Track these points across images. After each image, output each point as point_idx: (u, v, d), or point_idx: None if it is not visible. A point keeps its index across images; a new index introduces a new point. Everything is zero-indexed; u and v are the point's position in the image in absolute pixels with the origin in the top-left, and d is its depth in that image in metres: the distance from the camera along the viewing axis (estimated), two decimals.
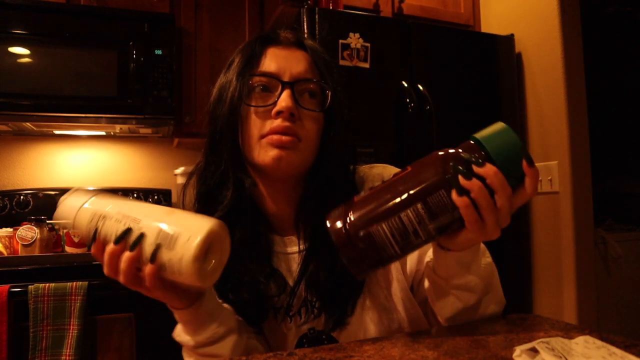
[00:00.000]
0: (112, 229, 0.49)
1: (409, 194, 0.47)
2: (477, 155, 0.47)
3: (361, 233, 0.48)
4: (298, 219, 0.68)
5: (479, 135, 0.49)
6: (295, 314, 0.67)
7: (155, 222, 0.48)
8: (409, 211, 0.47)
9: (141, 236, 0.47)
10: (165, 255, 0.47)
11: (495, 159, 0.47)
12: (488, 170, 0.46)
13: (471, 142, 0.49)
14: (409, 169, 0.49)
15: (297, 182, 0.67)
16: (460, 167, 0.46)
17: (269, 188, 0.67)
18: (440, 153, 0.49)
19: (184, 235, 0.46)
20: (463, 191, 0.46)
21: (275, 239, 0.70)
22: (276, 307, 0.67)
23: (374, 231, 0.47)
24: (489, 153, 0.47)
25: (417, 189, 0.47)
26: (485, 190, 0.46)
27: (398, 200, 0.47)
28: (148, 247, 0.47)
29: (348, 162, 0.70)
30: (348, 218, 0.49)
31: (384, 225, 0.47)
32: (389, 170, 0.73)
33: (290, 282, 0.67)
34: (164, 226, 0.47)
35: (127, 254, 0.48)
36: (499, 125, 0.50)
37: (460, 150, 0.49)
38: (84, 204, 0.52)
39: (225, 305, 0.64)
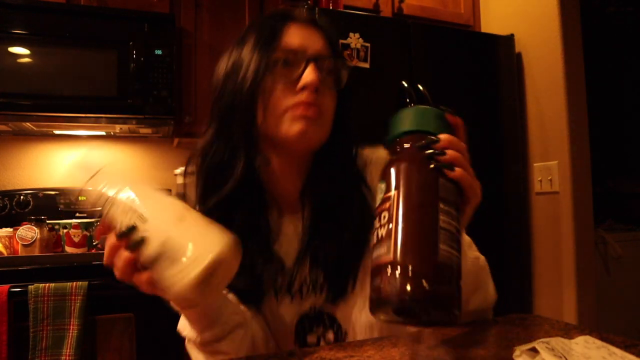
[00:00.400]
0: (118, 218, 0.45)
1: (425, 206, 0.44)
2: (427, 137, 0.48)
3: (433, 269, 0.41)
4: (304, 197, 0.68)
5: (406, 126, 0.49)
6: (296, 292, 0.67)
7: (162, 226, 0.44)
8: (441, 217, 0.43)
9: (144, 239, 0.44)
10: (165, 268, 0.43)
11: (436, 131, 0.49)
12: (445, 139, 0.48)
13: (405, 136, 0.49)
14: (393, 194, 0.44)
15: (307, 159, 0.68)
16: (432, 151, 0.47)
17: (282, 164, 0.67)
18: (404, 156, 0.47)
19: (192, 252, 0.42)
20: (451, 166, 0.46)
21: (278, 217, 0.70)
22: (276, 287, 0.67)
23: (440, 259, 0.41)
24: (428, 131, 0.49)
25: (425, 195, 0.44)
26: (460, 154, 0.47)
27: (426, 217, 0.43)
28: (149, 252, 0.43)
29: (356, 142, 0.71)
30: (407, 273, 0.40)
31: (439, 248, 0.41)
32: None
33: (292, 260, 0.67)
34: (171, 235, 0.43)
35: (126, 254, 0.45)
36: (408, 111, 0.51)
37: (412, 144, 0.48)
38: (94, 176, 0.49)
39: (230, 296, 0.63)
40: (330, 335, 0.67)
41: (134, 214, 0.44)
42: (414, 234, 0.42)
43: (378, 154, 0.73)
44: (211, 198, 0.64)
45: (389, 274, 0.41)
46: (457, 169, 0.46)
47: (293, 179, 0.68)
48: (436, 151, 0.46)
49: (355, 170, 0.69)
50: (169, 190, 1.82)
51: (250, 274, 0.64)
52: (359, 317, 0.65)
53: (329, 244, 0.64)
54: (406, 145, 0.48)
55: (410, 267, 0.40)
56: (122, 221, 0.45)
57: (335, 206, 0.65)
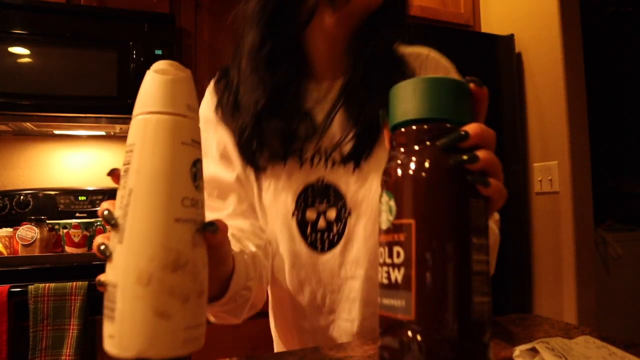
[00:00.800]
0: (118, 193, 0.34)
1: (455, 248, 0.32)
2: (448, 129, 0.34)
3: (466, 332, 0.32)
4: (347, 60, 0.67)
5: (417, 111, 0.35)
6: (308, 160, 0.66)
7: (123, 269, 0.32)
8: (474, 257, 0.33)
9: (108, 255, 0.33)
10: (105, 313, 0.33)
11: (459, 116, 0.35)
12: (475, 133, 0.34)
13: (415, 126, 0.35)
14: (409, 223, 0.33)
15: (356, 24, 0.66)
16: (461, 158, 0.33)
17: (334, 24, 0.65)
18: (421, 163, 0.33)
19: (123, 332, 0.32)
20: (486, 180, 0.34)
21: (313, 82, 0.69)
22: (289, 150, 0.65)
23: (474, 316, 0.32)
24: (449, 118, 0.34)
25: (454, 231, 0.32)
26: (492, 153, 0.35)
27: (457, 264, 0.32)
28: (106, 274, 0.34)
29: (405, 23, 0.70)
30: (434, 341, 0.32)
31: (473, 303, 0.32)
32: (433, 55, 0.73)
33: (320, 121, 0.66)
34: (121, 288, 0.32)
35: (95, 244, 0.36)
36: (418, 84, 0.35)
37: (429, 142, 0.34)
38: (143, 113, 0.34)
39: (245, 256, 0.57)
40: (332, 213, 0.65)
41: (123, 217, 0.33)
42: (442, 290, 0.32)
43: (413, 50, 0.72)
44: (276, 37, 0.63)
45: (409, 338, 0.32)
46: (491, 181, 0.34)
47: (338, 43, 0.67)
48: (468, 157, 0.33)
49: (396, 52, 0.69)
50: None
51: (280, 132, 0.63)
52: (367, 197, 0.64)
53: (366, 103, 0.64)
54: (418, 144, 0.34)
55: (437, 333, 0.32)
56: (116, 203, 0.34)
57: (375, 73, 0.64)
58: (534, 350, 0.43)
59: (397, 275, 0.33)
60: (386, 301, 0.34)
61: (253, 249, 0.60)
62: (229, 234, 0.54)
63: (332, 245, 0.65)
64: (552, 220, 1.86)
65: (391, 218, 0.34)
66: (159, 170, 0.33)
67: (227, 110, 0.67)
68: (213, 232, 0.36)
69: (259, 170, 0.66)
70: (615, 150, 2.85)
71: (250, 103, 0.64)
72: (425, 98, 0.35)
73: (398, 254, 0.33)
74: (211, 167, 0.68)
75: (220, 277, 0.49)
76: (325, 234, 0.65)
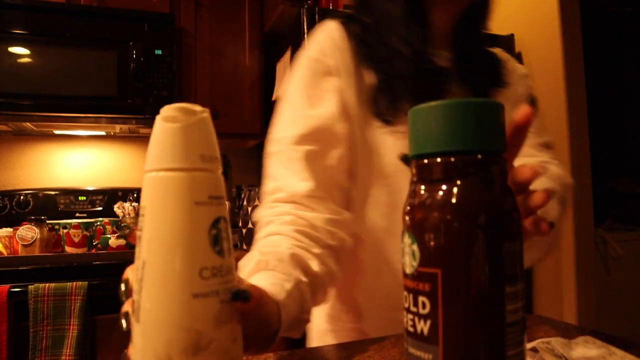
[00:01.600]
0: (135, 262, 0.31)
1: (487, 300, 0.29)
2: (480, 161, 0.30)
3: None
4: (449, 36, 0.73)
5: (445, 142, 0.30)
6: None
7: (145, 354, 0.29)
8: (508, 307, 0.29)
9: (131, 331, 0.31)
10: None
11: (496, 146, 0.30)
12: (526, 178, 0.30)
13: (443, 158, 0.30)
14: (436, 273, 0.30)
15: (463, 9, 0.73)
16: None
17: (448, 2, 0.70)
18: (450, 205, 0.29)
19: None
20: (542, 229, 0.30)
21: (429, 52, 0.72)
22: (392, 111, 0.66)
23: None
24: (479, 150, 0.30)
25: (487, 282, 0.29)
26: (545, 192, 0.31)
27: (490, 317, 0.29)
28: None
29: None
30: None
31: (506, 357, 0.29)
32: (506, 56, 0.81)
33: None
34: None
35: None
36: (445, 108, 0.30)
37: (461, 180, 0.29)
38: (151, 170, 0.30)
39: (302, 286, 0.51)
40: None
41: (138, 293, 0.30)
42: (473, 347, 0.29)
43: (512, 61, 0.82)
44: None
45: None
46: (544, 226, 0.30)
47: (452, 16, 0.73)
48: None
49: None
50: None
51: (432, 85, 0.66)
52: None
53: (475, 74, 0.71)
54: (444, 181, 0.30)
55: None
56: (135, 272, 0.31)
57: (481, 48, 0.76)
58: (534, 350, 0.43)
59: (423, 326, 0.30)
60: (412, 350, 0.31)
61: (316, 268, 0.53)
62: (288, 255, 0.50)
63: None
64: None
65: (415, 264, 0.31)
66: (170, 239, 0.29)
67: (375, 56, 0.68)
68: (244, 302, 0.31)
69: (390, 123, 0.65)
70: (615, 150, 2.85)
71: (402, 55, 0.66)
72: (453, 126, 0.30)
73: (423, 305, 0.30)
74: (323, 116, 0.65)
75: (267, 333, 0.42)
76: None
